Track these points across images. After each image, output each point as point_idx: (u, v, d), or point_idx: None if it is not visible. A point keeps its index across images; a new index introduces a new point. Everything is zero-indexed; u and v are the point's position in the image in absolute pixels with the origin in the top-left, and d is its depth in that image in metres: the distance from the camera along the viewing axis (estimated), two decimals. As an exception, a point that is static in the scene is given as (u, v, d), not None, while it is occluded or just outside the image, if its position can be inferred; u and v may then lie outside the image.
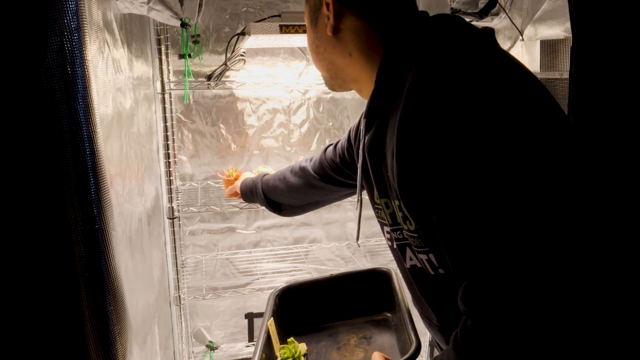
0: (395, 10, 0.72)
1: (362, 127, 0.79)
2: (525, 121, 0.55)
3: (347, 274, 1.22)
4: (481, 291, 0.56)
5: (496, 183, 0.54)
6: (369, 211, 2.39)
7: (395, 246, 0.79)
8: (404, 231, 0.73)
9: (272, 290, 1.21)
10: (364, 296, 1.24)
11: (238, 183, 1.43)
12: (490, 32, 0.68)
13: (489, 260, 0.55)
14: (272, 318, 1.11)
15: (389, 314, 1.22)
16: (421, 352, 0.96)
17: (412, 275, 0.78)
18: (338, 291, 1.20)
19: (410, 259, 0.76)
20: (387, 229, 0.81)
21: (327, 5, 0.73)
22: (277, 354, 1.07)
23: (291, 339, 1.11)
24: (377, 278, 1.24)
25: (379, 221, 0.86)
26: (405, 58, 0.65)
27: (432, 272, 0.71)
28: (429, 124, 0.57)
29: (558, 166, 0.55)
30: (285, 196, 1.26)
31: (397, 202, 0.69)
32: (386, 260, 2.18)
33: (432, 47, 0.63)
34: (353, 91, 2.18)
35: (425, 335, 2.10)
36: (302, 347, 1.09)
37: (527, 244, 0.53)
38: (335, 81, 0.82)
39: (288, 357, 1.06)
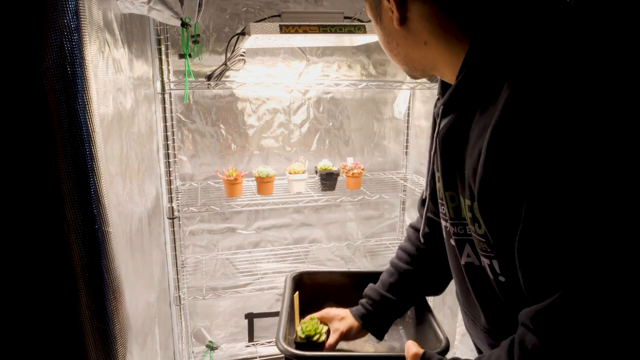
0: None
1: (437, 110, 0.74)
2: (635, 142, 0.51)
3: (364, 273, 1.22)
4: (560, 316, 0.54)
5: (599, 207, 0.51)
6: (367, 211, 2.39)
7: (452, 242, 0.77)
8: (472, 232, 0.70)
9: (290, 272, 1.21)
10: None
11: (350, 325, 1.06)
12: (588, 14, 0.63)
13: (577, 284, 0.52)
14: (298, 292, 1.09)
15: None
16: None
17: (467, 273, 0.76)
18: (349, 286, 1.20)
19: (468, 256, 0.74)
20: (445, 223, 0.78)
21: None
22: (297, 328, 1.04)
23: (313, 315, 1.08)
24: None
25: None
26: (498, 54, 0.60)
27: (493, 278, 0.69)
28: (532, 138, 0.53)
29: None
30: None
31: (468, 202, 0.66)
32: (386, 260, 2.18)
33: (535, 45, 0.57)
34: (353, 91, 2.17)
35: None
36: (323, 326, 1.06)
37: (622, 275, 0.51)
38: (416, 72, 0.77)
39: (310, 331, 1.03)
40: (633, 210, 0.50)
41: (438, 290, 1.07)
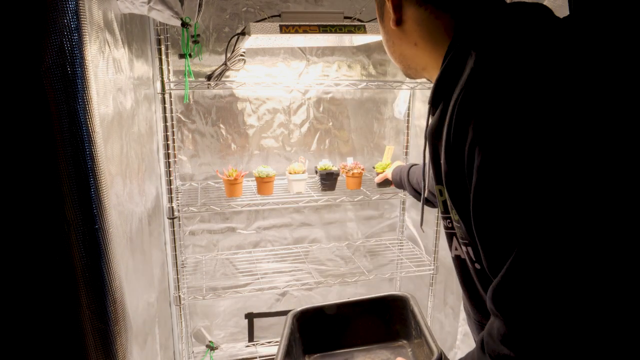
0: None
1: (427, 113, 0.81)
2: (577, 124, 0.53)
3: (364, 300, 1.22)
4: (513, 290, 0.55)
5: (541, 180, 0.52)
6: (367, 211, 2.39)
7: (445, 234, 0.81)
8: (453, 221, 0.73)
9: (292, 310, 1.22)
10: (380, 322, 1.23)
11: (389, 171, 1.67)
12: (572, 20, 0.66)
13: (525, 248, 0.53)
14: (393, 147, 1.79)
15: (405, 341, 1.22)
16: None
17: (456, 265, 0.79)
18: (354, 316, 1.20)
19: (456, 249, 0.78)
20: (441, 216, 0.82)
21: None
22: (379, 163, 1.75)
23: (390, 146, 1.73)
24: (394, 304, 1.23)
25: None
26: (469, 45, 0.65)
27: (471, 266, 0.72)
28: (478, 114, 0.57)
29: (608, 174, 0.53)
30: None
31: (447, 191, 0.70)
32: (386, 260, 2.18)
33: (498, 34, 0.62)
34: (353, 91, 2.17)
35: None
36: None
37: (564, 244, 0.52)
38: (410, 70, 0.84)
39: (380, 165, 1.81)
40: (579, 176, 0.52)
41: None
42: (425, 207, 1.11)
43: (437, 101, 0.72)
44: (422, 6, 0.72)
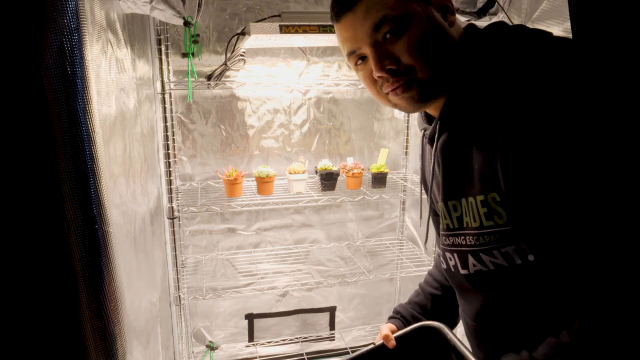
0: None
1: (430, 132, 0.79)
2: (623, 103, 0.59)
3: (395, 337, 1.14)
4: (608, 287, 0.55)
5: (621, 163, 0.55)
6: (367, 211, 2.38)
7: (448, 253, 0.80)
8: (468, 238, 0.73)
9: None
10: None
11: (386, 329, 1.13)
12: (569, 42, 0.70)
13: (617, 251, 0.55)
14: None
15: None
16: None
17: (474, 281, 0.77)
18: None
19: (474, 265, 0.75)
20: (443, 233, 0.81)
21: None
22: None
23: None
24: (427, 336, 1.07)
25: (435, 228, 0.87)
26: (482, 67, 0.68)
27: (519, 262, 0.69)
28: (536, 114, 0.59)
29: None
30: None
31: (480, 198, 0.69)
32: (386, 260, 2.18)
33: (513, 49, 0.66)
34: (354, 91, 2.16)
35: None
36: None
37: None
38: (433, 85, 0.76)
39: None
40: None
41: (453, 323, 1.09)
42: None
43: (448, 121, 0.74)
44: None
